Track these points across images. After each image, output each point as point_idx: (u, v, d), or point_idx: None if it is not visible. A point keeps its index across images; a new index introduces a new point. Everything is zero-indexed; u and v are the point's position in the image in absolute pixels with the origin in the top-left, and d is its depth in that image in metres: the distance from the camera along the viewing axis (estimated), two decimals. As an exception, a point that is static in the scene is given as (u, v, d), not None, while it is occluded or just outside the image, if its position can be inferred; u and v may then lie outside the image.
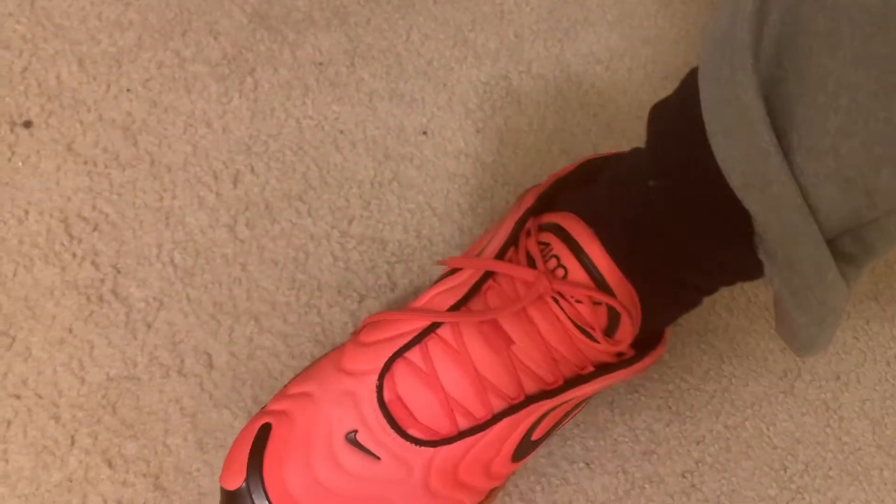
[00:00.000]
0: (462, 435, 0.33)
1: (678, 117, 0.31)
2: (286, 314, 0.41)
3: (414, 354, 0.33)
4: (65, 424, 0.37)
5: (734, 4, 0.26)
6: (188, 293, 0.41)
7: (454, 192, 0.47)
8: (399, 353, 0.33)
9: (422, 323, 0.33)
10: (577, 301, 0.33)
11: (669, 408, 0.42)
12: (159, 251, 0.42)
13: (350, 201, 0.45)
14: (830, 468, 0.42)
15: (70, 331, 0.39)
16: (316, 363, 0.36)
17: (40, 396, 0.37)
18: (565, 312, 0.33)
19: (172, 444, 0.38)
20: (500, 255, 0.35)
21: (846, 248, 0.28)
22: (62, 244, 0.41)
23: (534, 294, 0.33)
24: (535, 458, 0.40)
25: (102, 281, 0.41)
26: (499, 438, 0.33)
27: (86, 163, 0.44)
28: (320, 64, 0.50)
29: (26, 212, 0.42)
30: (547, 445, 0.41)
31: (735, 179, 0.27)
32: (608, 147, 0.51)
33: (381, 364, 0.33)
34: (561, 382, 0.34)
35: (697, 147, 0.29)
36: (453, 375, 0.33)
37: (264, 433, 0.32)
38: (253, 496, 0.31)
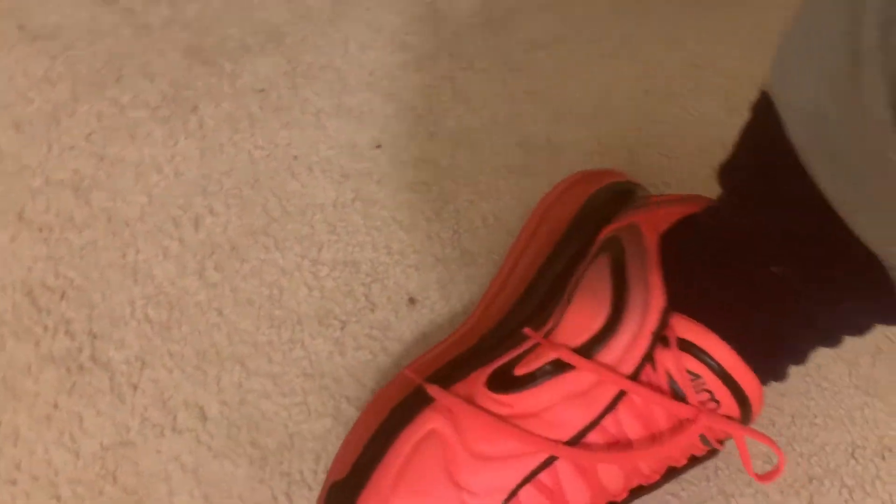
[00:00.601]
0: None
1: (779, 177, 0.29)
2: (270, 353, 0.41)
3: (544, 476, 0.32)
4: (67, 502, 0.37)
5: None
6: (169, 348, 0.41)
7: (417, 200, 0.47)
8: (529, 479, 0.32)
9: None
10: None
11: (657, 383, 0.44)
12: (132, 309, 0.41)
13: (315, 227, 0.45)
14: (815, 416, 0.44)
15: (55, 406, 0.39)
16: (411, 460, 0.33)
17: (36, 478, 0.37)
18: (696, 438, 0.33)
19: (179, 502, 0.37)
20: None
21: None
22: (31, 318, 0.40)
23: (689, 435, 0.32)
24: None
25: (80, 349, 0.40)
26: None
27: (40, 230, 0.43)
28: (262, 90, 0.49)
29: (-12, 290, 0.41)
30: None
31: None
32: (561, 134, 0.51)
33: (510, 487, 0.32)
34: (658, 477, 0.35)
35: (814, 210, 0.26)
36: (580, 491, 0.32)
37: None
38: None
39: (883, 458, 0.43)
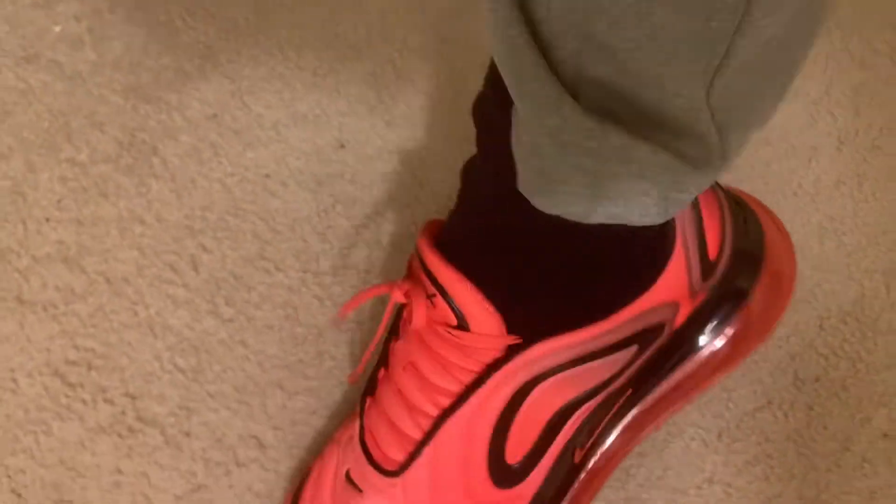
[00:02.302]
0: (411, 458, 0.35)
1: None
2: (304, 370, 0.44)
3: (377, 391, 0.37)
4: (163, 556, 0.39)
5: None
6: (207, 389, 0.43)
7: (393, 190, 0.49)
8: (367, 393, 0.38)
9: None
10: (430, 295, 0.34)
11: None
12: (160, 363, 0.43)
13: (307, 240, 0.47)
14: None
15: (119, 471, 0.40)
16: None
17: (126, 542, 0.39)
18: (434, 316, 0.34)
19: (263, 526, 0.41)
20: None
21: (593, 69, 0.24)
22: (67, 396, 0.41)
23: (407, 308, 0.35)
24: None
25: (123, 413, 0.42)
26: (447, 457, 0.35)
27: (45, 308, 0.43)
28: (215, 116, 0.49)
29: (14, 380, 0.41)
30: None
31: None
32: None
33: (360, 402, 0.38)
34: (462, 387, 0.35)
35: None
36: (392, 403, 0.36)
37: (303, 480, 0.39)
38: None
39: (845, 322, 0.49)
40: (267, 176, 0.48)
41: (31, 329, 0.42)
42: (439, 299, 0.33)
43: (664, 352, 0.39)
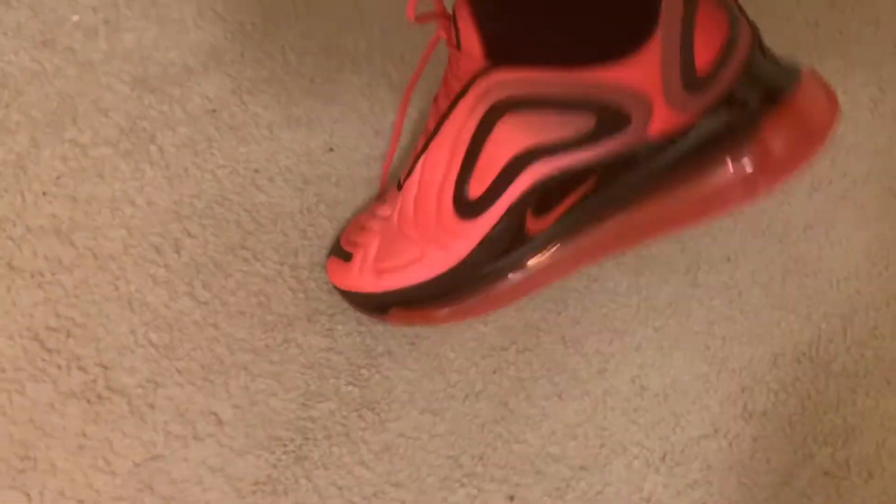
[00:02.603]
0: (410, 170, 0.42)
1: None
2: (270, 356, 0.46)
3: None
4: (115, 517, 0.41)
5: None
6: (176, 366, 0.45)
7: (374, 196, 0.52)
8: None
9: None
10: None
11: (608, 328, 0.50)
12: (135, 337, 0.45)
13: (288, 235, 0.49)
14: (742, 335, 0.51)
15: (84, 435, 0.43)
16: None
17: (82, 501, 0.41)
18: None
19: (213, 499, 0.42)
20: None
21: None
22: (43, 360, 0.44)
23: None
24: (517, 404, 0.47)
25: (94, 381, 0.44)
26: (433, 177, 0.41)
27: (33, 276, 0.46)
28: (213, 111, 0.52)
29: (-4, 340, 0.44)
30: (524, 389, 0.48)
31: None
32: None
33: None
34: (447, 104, 0.40)
35: None
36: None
37: None
38: None
39: (799, 361, 0.51)
40: (256, 171, 0.51)
41: (17, 294, 0.45)
42: (451, 24, 0.38)
43: (633, 158, 0.39)
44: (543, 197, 0.41)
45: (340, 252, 0.46)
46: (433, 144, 0.40)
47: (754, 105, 0.39)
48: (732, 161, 0.39)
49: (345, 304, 0.48)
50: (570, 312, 0.50)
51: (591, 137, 0.38)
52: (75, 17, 0.53)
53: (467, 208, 0.41)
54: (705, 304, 0.52)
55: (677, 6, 0.35)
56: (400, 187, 0.43)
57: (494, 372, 0.48)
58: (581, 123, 0.38)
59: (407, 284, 0.43)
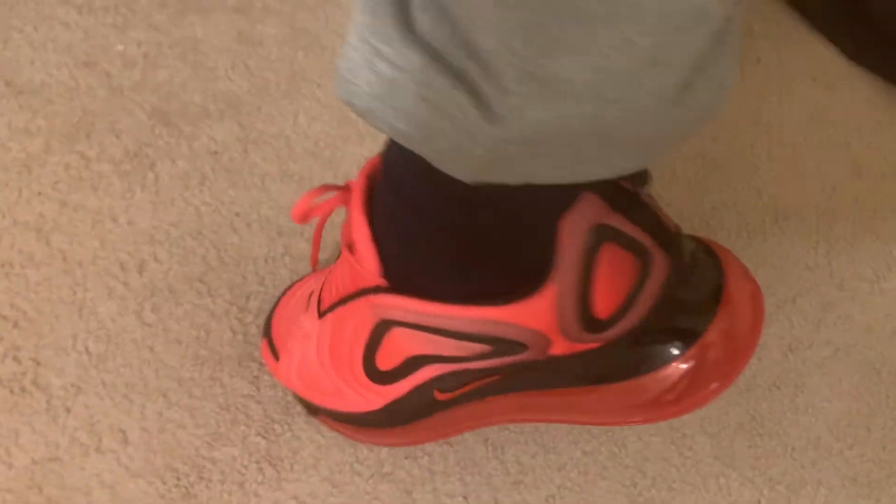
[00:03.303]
0: (332, 308, 0.40)
1: None
2: (191, 389, 0.47)
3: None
4: (-4, 507, 0.42)
5: None
6: (102, 378, 0.46)
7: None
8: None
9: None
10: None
11: (535, 441, 0.49)
12: (74, 341, 0.47)
13: (247, 278, 0.51)
14: (674, 480, 0.49)
15: (-3, 421, 0.44)
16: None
17: (-27, 484, 0.42)
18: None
19: (94, 514, 0.43)
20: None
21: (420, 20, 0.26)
22: (-15, 342, 0.46)
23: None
24: (422, 495, 0.46)
25: (24, 374, 0.46)
26: (345, 331, 0.40)
27: (3, 265, 0.49)
28: (215, 153, 0.56)
29: (-50, 315, 0.47)
30: (432, 482, 0.47)
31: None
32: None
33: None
34: (338, 298, 0.40)
35: None
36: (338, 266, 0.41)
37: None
38: None
39: (730, 522, 0.48)
40: (237, 214, 0.53)
41: (-16, 277, 0.48)
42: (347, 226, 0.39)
43: (540, 363, 0.38)
44: (456, 383, 0.40)
45: (271, 343, 0.45)
46: (339, 312, 0.40)
47: (666, 340, 0.38)
48: (637, 384, 0.39)
49: (279, 356, 0.49)
50: (500, 416, 0.49)
51: (489, 356, 0.37)
52: (120, 47, 0.58)
53: (377, 376, 0.40)
54: (644, 438, 0.50)
55: (576, 251, 0.34)
56: (321, 315, 0.41)
57: (406, 458, 0.47)
58: (476, 348, 0.37)
59: (330, 407, 0.43)
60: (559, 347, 0.37)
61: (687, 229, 0.59)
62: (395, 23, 0.26)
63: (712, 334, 0.38)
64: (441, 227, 0.35)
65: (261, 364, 0.48)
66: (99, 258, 0.50)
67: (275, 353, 0.45)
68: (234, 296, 0.50)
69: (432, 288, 0.35)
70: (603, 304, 0.36)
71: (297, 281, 0.48)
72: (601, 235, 0.34)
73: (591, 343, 0.37)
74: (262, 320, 0.50)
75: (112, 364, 0.47)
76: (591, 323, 0.36)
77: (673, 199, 0.61)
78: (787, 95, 0.69)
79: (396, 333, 0.38)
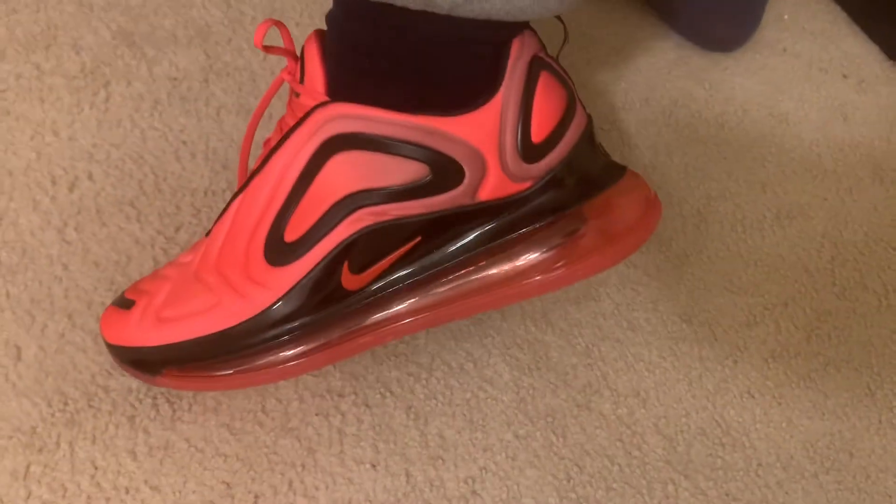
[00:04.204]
0: (226, 208, 0.38)
1: None
2: (99, 313, 0.44)
3: None
4: None
5: None
6: (8, 290, 0.44)
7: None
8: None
9: None
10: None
11: (464, 415, 0.44)
12: (-13, 249, 0.44)
13: (181, 209, 0.48)
14: (615, 480, 0.44)
15: None
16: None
17: None
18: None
19: (-31, 429, 0.40)
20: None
21: None
22: None
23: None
24: (326, 457, 0.42)
25: (-72, 275, 0.43)
26: (249, 216, 0.37)
27: (-69, 164, 0.46)
28: (175, 79, 0.53)
29: None
30: (340, 444, 0.42)
31: None
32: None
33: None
34: (284, 131, 0.38)
35: None
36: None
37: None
38: None
39: (672, 534, 0.42)
40: (184, 143, 0.50)
41: None
42: (297, 63, 0.38)
43: (462, 217, 0.38)
44: (364, 250, 0.37)
45: (122, 301, 0.40)
46: (254, 182, 0.37)
47: (572, 193, 0.39)
48: (542, 248, 0.39)
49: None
50: (430, 385, 0.45)
51: (423, 189, 0.37)
52: (97, -35, 0.56)
53: (280, 253, 0.37)
54: (588, 431, 0.45)
55: (521, 72, 0.36)
56: (208, 234, 0.39)
57: (318, 415, 0.43)
58: (414, 171, 0.36)
59: (190, 337, 0.38)
60: (489, 186, 0.37)
61: (675, 214, 0.53)
62: None
63: (595, 209, 0.40)
64: (394, 40, 0.35)
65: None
66: (32, 169, 0.47)
67: (125, 304, 0.39)
68: (163, 225, 0.47)
69: (380, 98, 0.35)
70: (538, 128, 0.37)
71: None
72: (540, 64, 0.37)
73: (519, 183, 0.38)
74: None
75: (21, 277, 0.44)
76: (527, 146, 0.37)
77: (665, 180, 0.55)
78: (811, 90, 0.63)
79: (332, 166, 0.36)
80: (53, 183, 0.47)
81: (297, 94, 0.38)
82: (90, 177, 0.48)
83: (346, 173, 0.36)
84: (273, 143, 0.39)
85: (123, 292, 0.40)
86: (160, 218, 0.47)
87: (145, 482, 0.40)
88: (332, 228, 0.37)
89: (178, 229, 0.47)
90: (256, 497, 0.40)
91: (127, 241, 0.46)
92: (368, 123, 0.35)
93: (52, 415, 0.41)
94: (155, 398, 0.42)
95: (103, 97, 0.51)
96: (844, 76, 0.64)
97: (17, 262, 0.44)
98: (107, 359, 0.43)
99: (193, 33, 0.55)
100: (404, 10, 0.34)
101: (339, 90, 0.36)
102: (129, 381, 0.42)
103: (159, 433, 0.41)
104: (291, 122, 0.37)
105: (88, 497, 0.39)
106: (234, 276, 0.37)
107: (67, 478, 0.39)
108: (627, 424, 0.46)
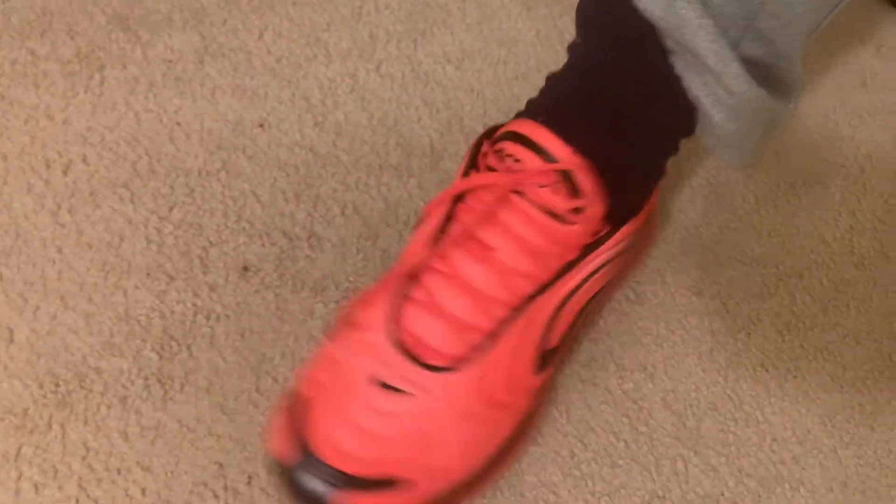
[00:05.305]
0: (476, 350, 0.35)
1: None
2: (92, 294, 0.43)
3: (415, 293, 0.36)
4: None
5: None
6: (1, 272, 0.43)
7: (281, 180, 0.48)
8: (401, 296, 0.36)
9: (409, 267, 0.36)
10: (541, 186, 0.36)
11: (463, 393, 0.43)
12: (-20, 233, 0.44)
13: (175, 189, 0.47)
14: (621, 457, 0.42)
15: None
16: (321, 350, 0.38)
17: None
18: (532, 202, 0.36)
19: (-39, 411, 0.39)
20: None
21: (749, 50, 0.35)
22: None
23: (496, 193, 0.36)
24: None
25: (-78, 259, 0.43)
26: (512, 348, 0.36)
27: (-74, 151, 0.46)
28: (169, 61, 0.52)
29: None
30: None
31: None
32: (448, 144, 0.52)
33: (388, 308, 0.35)
34: (551, 275, 0.37)
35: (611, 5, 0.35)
36: (452, 297, 0.35)
37: (301, 404, 0.36)
38: (309, 466, 0.34)
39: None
40: (178, 124, 0.50)
41: None
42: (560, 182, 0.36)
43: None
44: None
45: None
46: (517, 321, 0.36)
47: None
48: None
49: (192, 273, 0.44)
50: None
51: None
52: (93, -49, 0.56)
53: (546, 358, 0.38)
54: (592, 407, 0.43)
55: None
56: (441, 369, 0.35)
57: (314, 393, 0.42)
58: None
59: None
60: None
61: (684, 185, 0.52)
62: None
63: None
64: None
65: (171, 278, 0.44)
66: (26, 153, 0.47)
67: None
68: (157, 205, 0.46)
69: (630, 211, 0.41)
70: None
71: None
72: None
73: None
74: (180, 231, 0.46)
75: (15, 259, 0.44)
76: None
77: (672, 152, 0.54)
78: (827, 55, 0.61)
79: (589, 284, 0.40)
80: (47, 167, 0.47)
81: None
82: (84, 160, 0.47)
83: (593, 286, 0.41)
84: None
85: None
86: (154, 198, 0.47)
87: (137, 463, 0.39)
88: (576, 323, 0.40)
89: (171, 209, 0.46)
90: (250, 477, 0.39)
91: (120, 221, 0.46)
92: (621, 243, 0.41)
93: (44, 396, 0.40)
94: (146, 379, 0.41)
95: (98, 81, 0.50)
96: (862, 41, 0.62)
97: (11, 244, 0.44)
98: (98, 339, 0.42)
99: (188, 16, 0.54)
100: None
101: (613, 210, 0.39)
102: (121, 362, 0.41)
103: (151, 414, 0.40)
104: (550, 248, 0.37)
105: (80, 478, 0.38)
106: (504, 397, 0.37)
107: (59, 459, 0.38)
108: (634, 399, 0.44)
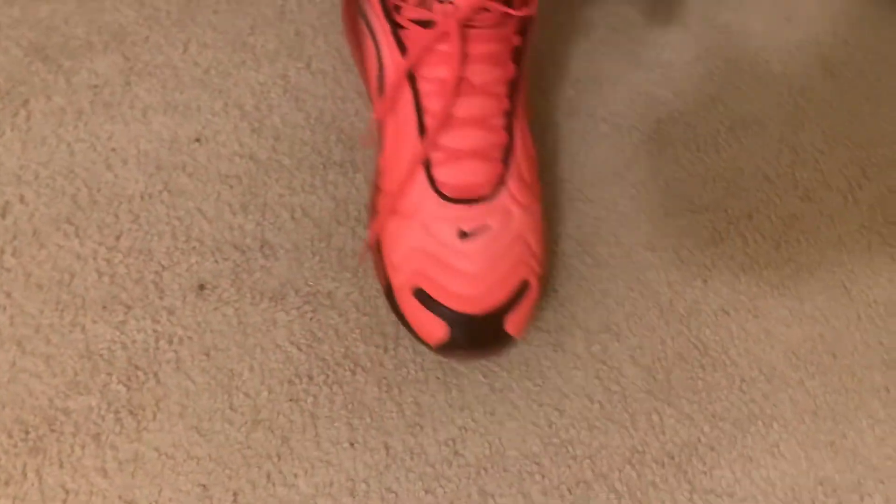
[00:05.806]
0: (505, 162, 0.41)
1: None
2: (49, 335, 0.43)
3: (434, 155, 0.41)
4: None
5: None
6: (-48, 326, 0.42)
7: (226, 193, 0.48)
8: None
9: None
10: None
11: (437, 378, 0.43)
12: (-75, 289, 0.43)
13: (119, 217, 0.46)
14: (597, 418, 0.43)
15: None
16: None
17: None
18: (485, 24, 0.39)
19: (-67, 473, 0.39)
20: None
21: None
22: None
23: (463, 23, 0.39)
24: (301, 443, 0.41)
25: None
26: (521, 134, 0.42)
27: None
28: (95, 87, 0.51)
29: None
30: (314, 427, 0.41)
31: None
32: (388, 131, 0.52)
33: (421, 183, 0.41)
34: (513, 64, 0.41)
35: None
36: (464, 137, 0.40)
37: (423, 293, 0.40)
38: (471, 325, 0.39)
39: (662, 464, 0.42)
40: (113, 150, 0.49)
41: None
42: None
43: None
44: None
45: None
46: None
47: None
48: None
49: (149, 299, 0.44)
50: (398, 353, 0.44)
51: None
52: (-2, -16, 0.54)
53: None
54: (564, 374, 0.44)
55: None
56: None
57: (290, 400, 0.42)
58: None
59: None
60: None
61: (626, 144, 0.52)
62: None
63: None
64: None
65: (128, 307, 0.44)
66: (-41, 202, 0.46)
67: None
68: (103, 236, 0.46)
69: None
70: None
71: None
72: None
73: None
74: (130, 259, 0.45)
75: (-36, 312, 0.43)
76: None
77: (611, 111, 0.54)
78: (750, -5, 0.61)
79: None
80: (-16, 212, 0.46)
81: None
82: (21, 199, 0.46)
83: None
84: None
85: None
86: (99, 230, 0.46)
87: (119, 497, 0.39)
88: None
89: (118, 237, 0.46)
90: (235, 494, 0.39)
91: (67, 258, 0.45)
92: None
93: (14, 445, 0.40)
94: (117, 412, 0.41)
95: (24, 116, 0.49)
96: (782, -24, 0.62)
97: (-42, 297, 0.43)
98: (62, 380, 0.41)
99: (108, 38, 0.53)
100: None
101: None
102: (89, 399, 0.41)
103: (127, 447, 0.40)
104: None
105: (64, 521, 0.38)
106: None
107: (39, 505, 0.38)
108: (602, 360, 0.45)
